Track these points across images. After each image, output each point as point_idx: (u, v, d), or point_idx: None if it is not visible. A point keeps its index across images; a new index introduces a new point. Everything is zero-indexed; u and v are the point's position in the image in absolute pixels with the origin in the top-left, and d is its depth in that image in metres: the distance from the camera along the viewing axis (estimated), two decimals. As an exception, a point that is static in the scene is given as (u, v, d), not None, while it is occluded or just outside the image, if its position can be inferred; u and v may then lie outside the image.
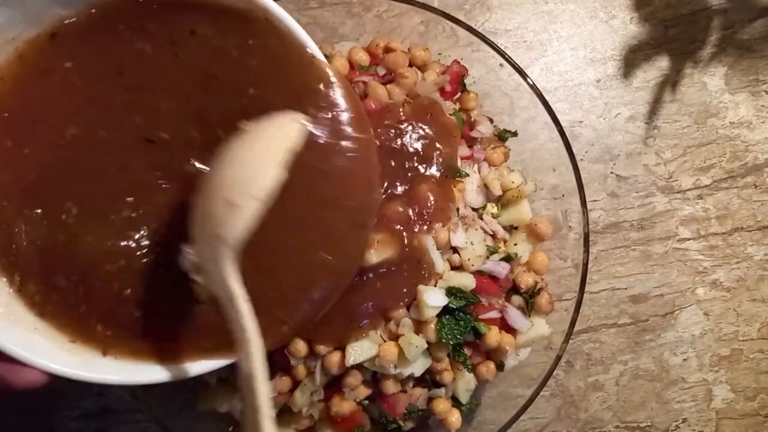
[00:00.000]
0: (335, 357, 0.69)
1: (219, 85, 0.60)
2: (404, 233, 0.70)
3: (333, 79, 0.60)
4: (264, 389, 0.51)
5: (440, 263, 0.71)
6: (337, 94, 0.60)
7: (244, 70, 0.59)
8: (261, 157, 0.52)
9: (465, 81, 0.83)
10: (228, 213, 0.51)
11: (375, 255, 0.68)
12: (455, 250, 0.74)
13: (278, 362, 0.71)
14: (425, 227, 0.71)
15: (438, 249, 0.71)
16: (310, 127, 0.58)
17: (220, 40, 0.59)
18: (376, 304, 0.69)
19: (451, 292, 0.71)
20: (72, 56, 0.59)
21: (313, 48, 0.59)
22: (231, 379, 0.75)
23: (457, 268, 0.74)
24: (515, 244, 0.78)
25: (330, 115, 0.60)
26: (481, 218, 0.77)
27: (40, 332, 0.58)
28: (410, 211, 0.71)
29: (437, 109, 0.76)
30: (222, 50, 0.59)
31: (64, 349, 0.58)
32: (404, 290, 0.70)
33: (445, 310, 0.71)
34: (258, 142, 0.54)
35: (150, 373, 0.60)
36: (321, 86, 0.60)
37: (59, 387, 0.86)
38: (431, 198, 0.71)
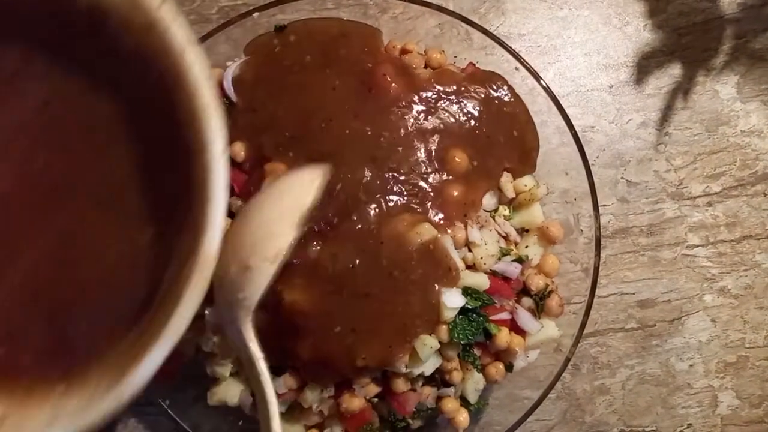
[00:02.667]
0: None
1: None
2: (432, 220, 0.71)
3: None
4: None
5: (460, 263, 0.72)
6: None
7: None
8: (277, 220, 0.53)
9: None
10: (243, 277, 0.53)
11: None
12: (469, 248, 0.74)
13: (289, 359, 0.72)
14: (446, 222, 0.72)
15: (456, 248, 0.72)
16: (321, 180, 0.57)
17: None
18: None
19: (466, 292, 0.71)
20: None
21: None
22: (242, 373, 0.76)
23: (469, 267, 0.74)
24: (526, 247, 0.79)
25: None
26: (494, 220, 0.77)
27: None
28: (433, 204, 0.73)
29: None
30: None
31: None
32: (435, 290, 0.71)
33: (459, 310, 0.71)
34: (275, 204, 0.55)
35: None
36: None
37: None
38: (457, 195, 0.73)
